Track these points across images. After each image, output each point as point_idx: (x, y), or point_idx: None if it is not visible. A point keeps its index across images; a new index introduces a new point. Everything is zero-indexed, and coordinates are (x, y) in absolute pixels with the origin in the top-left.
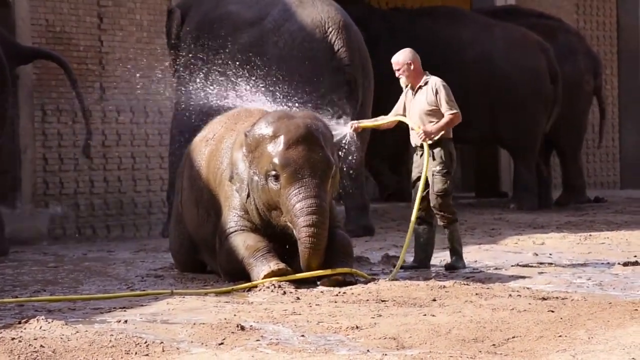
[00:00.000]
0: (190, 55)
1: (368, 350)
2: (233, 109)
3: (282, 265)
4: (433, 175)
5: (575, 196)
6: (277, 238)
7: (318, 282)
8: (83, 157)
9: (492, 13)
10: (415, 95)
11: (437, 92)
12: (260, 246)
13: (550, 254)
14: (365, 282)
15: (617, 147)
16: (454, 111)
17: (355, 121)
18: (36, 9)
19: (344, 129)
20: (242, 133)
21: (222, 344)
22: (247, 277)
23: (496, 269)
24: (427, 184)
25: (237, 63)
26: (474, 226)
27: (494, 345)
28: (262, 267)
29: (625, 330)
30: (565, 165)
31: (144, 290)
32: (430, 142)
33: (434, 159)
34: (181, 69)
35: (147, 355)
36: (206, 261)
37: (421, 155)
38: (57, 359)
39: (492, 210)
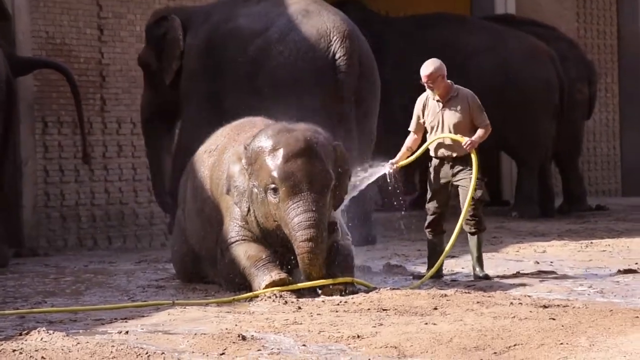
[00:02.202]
0: (198, 67)
1: (370, 359)
2: (236, 120)
3: (283, 275)
4: (478, 181)
5: (576, 204)
6: (278, 248)
7: (319, 292)
8: (84, 166)
9: (489, 20)
10: (444, 106)
11: (472, 104)
12: (262, 256)
13: (552, 262)
14: (367, 291)
15: (618, 155)
16: (488, 122)
17: (394, 160)
18: (36, 21)
19: (382, 169)
20: (240, 145)
21: (223, 354)
22: (248, 287)
23: (497, 277)
24: (456, 192)
25: (246, 74)
26: None
27: (495, 353)
28: (263, 277)
29: (626, 337)
30: (564, 173)
31: (145, 301)
32: (474, 152)
33: (470, 166)
34: (188, 80)
35: None
36: (208, 272)
37: (452, 167)
38: None
39: (493, 218)
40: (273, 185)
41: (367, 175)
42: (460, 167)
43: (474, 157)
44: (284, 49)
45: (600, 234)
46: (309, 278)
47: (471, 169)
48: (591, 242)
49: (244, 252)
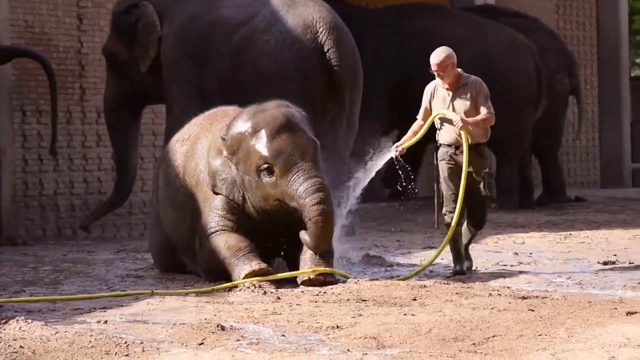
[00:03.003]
0: (178, 56)
1: (348, 350)
2: (210, 110)
3: (263, 265)
4: (484, 177)
5: (555, 196)
6: (265, 236)
7: (299, 282)
8: (63, 155)
9: (469, 11)
10: (454, 94)
11: (478, 91)
12: (242, 246)
13: (531, 253)
14: (346, 282)
15: (597, 147)
16: (492, 112)
17: (399, 142)
18: (15, 9)
19: (388, 154)
20: (217, 138)
21: (202, 344)
22: (228, 277)
23: (476, 268)
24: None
25: (230, 64)
26: None
27: (474, 344)
28: (243, 267)
29: (604, 328)
30: (544, 165)
31: (124, 291)
32: (465, 130)
33: (482, 157)
34: (169, 71)
35: (127, 355)
36: (185, 261)
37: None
38: None
39: None
40: (266, 166)
41: (373, 163)
42: (474, 158)
43: (464, 136)
44: (270, 39)
45: (579, 226)
46: (317, 244)
47: (484, 160)
48: (570, 234)
49: (224, 242)
